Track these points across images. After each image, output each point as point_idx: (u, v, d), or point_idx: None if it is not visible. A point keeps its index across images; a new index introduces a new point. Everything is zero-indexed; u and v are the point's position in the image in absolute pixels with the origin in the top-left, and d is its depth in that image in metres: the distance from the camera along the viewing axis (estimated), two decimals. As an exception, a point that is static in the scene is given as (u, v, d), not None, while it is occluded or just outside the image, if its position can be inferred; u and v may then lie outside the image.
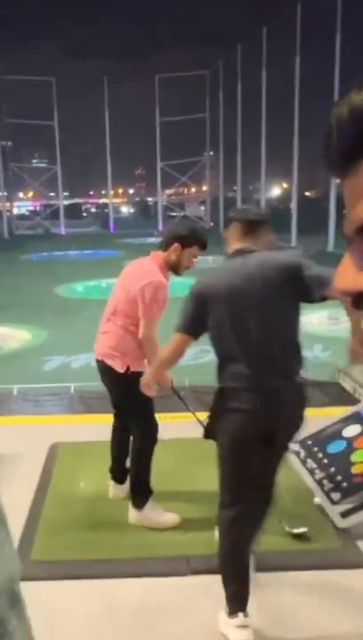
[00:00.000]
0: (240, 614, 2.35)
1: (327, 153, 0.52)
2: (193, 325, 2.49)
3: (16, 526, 3.21)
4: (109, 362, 3.25)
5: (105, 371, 3.31)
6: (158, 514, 3.30)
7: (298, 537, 3.10)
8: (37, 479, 3.75)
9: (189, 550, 3.00)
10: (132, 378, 3.10)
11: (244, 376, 2.36)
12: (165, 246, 3.20)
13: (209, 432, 2.51)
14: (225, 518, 2.44)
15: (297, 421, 2.47)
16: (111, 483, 3.59)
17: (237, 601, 2.37)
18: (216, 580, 2.45)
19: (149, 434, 3.30)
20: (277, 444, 2.42)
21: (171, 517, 3.30)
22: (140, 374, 3.04)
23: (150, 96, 30.71)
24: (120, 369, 3.21)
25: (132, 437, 3.39)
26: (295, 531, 3.10)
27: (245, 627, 2.34)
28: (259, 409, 2.33)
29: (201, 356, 7.51)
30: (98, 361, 3.35)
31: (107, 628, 2.53)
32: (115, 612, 2.61)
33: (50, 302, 10.96)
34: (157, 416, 3.33)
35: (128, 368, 3.22)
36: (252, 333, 2.35)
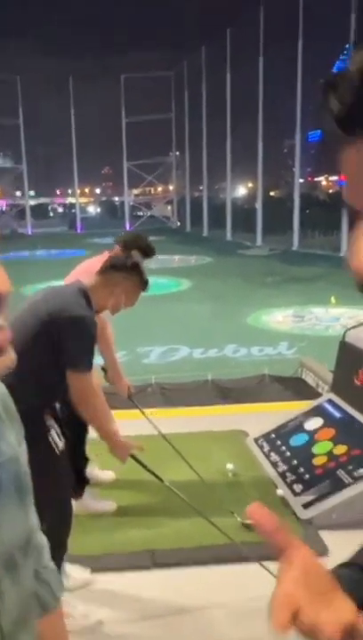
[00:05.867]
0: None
1: (333, 110, 0.46)
2: None
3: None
4: None
5: None
6: (95, 501, 3.38)
7: (249, 527, 3.15)
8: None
9: (153, 545, 3.04)
10: None
11: None
12: None
13: None
14: None
15: None
16: None
17: None
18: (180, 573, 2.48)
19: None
20: None
21: (107, 504, 3.39)
22: None
23: (116, 96, 30.66)
24: None
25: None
26: (247, 521, 3.16)
27: None
28: None
29: (172, 355, 7.55)
30: None
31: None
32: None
33: (16, 303, 10.82)
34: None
35: None
36: None
